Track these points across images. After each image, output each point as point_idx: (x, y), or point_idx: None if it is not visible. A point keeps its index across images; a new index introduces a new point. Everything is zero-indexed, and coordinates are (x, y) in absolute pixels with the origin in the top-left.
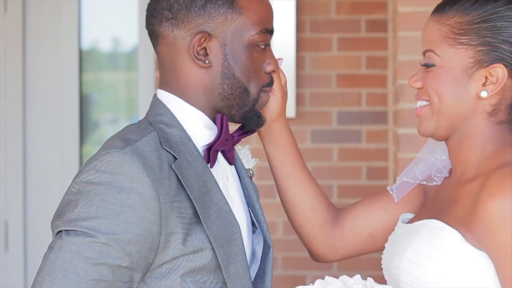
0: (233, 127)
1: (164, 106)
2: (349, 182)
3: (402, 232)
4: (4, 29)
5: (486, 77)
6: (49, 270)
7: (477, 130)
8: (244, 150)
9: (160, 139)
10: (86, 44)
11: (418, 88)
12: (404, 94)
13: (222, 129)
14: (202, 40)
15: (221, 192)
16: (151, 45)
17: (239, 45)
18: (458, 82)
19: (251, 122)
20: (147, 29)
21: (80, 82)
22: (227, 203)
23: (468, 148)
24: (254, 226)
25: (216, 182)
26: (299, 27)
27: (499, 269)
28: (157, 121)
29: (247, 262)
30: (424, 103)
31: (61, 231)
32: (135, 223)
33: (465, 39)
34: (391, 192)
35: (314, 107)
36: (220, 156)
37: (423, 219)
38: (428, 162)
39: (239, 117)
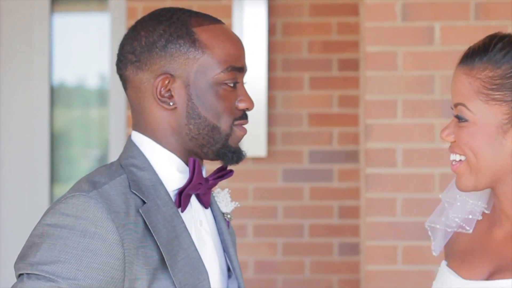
0: (209, 167)
1: (137, 148)
2: (321, 221)
3: None
4: None
5: None
6: None
7: None
8: (223, 193)
9: (129, 183)
10: (57, 81)
11: (451, 142)
12: (372, 134)
13: (194, 173)
14: (166, 82)
15: (191, 238)
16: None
17: (203, 84)
18: (494, 139)
19: (226, 158)
20: (117, 74)
21: (51, 120)
22: (195, 249)
23: None
24: (230, 271)
25: (185, 227)
26: (271, 66)
27: None
28: (128, 164)
29: None
30: (458, 157)
31: (22, 274)
32: (97, 269)
33: (499, 95)
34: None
35: (286, 146)
36: (194, 199)
37: (493, 275)
38: (464, 207)
39: (213, 154)
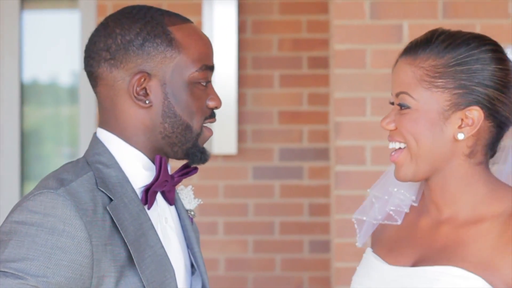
0: (174, 165)
1: (103, 145)
2: (291, 219)
3: (405, 277)
4: None
5: (462, 119)
6: None
7: (460, 172)
8: (186, 191)
9: (96, 180)
10: (27, 79)
11: (391, 130)
12: (341, 132)
13: (160, 170)
14: (142, 80)
15: (157, 235)
16: None
17: (179, 83)
18: (435, 125)
19: (194, 158)
20: (85, 71)
21: (22, 117)
22: (162, 246)
23: (456, 189)
24: (194, 267)
25: (152, 225)
26: (241, 63)
27: None
28: (94, 161)
29: None
30: (398, 145)
31: None
32: (66, 266)
33: (441, 82)
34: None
35: (256, 144)
36: (159, 196)
37: (417, 262)
38: (394, 200)
39: (182, 153)
